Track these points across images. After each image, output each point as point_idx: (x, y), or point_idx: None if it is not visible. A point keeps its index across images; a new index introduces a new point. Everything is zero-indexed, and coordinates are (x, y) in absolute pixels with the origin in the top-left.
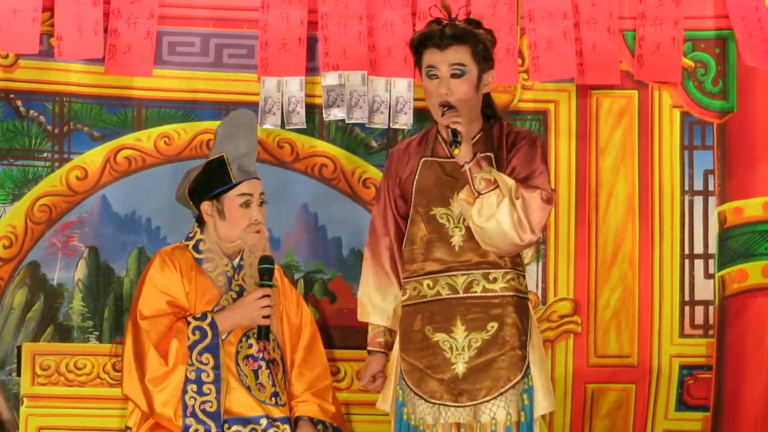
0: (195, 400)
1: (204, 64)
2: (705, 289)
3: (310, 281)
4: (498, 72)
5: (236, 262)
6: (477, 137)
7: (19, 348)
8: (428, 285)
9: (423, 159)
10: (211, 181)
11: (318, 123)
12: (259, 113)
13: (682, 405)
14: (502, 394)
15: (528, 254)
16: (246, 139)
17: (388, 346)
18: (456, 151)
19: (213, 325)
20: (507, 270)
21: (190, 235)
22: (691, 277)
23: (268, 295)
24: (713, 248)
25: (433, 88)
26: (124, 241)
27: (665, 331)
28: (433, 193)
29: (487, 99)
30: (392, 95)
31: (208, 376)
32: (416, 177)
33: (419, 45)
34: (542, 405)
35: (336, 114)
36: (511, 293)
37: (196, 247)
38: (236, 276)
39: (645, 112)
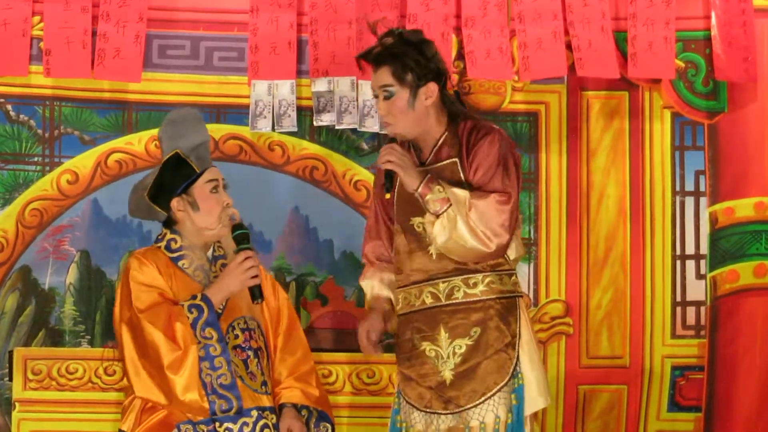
0: (210, 376)
1: (194, 67)
2: (697, 290)
3: (302, 284)
4: (492, 70)
5: (210, 254)
6: (440, 140)
7: (10, 353)
8: (415, 294)
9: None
10: (173, 179)
11: (309, 125)
12: (250, 116)
13: (675, 406)
14: (489, 398)
15: (512, 253)
16: (196, 131)
17: (387, 314)
18: (386, 196)
19: (206, 298)
20: (486, 273)
21: (159, 237)
22: (683, 277)
23: (249, 257)
24: (705, 249)
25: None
26: (115, 244)
27: (657, 332)
28: (409, 204)
29: (451, 103)
30: None
31: (216, 349)
32: (398, 186)
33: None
34: (536, 401)
35: (326, 119)
36: (494, 296)
37: (168, 247)
38: (213, 268)
39: (636, 113)
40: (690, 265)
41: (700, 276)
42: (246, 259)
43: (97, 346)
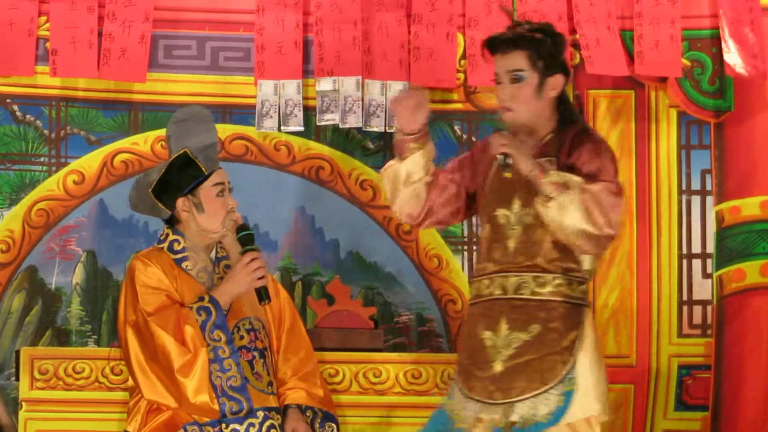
0: (220, 378)
1: (200, 67)
2: (703, 289)
3: (308, 283)
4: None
5: (213, 255)
6: (547, 139)
7: (17, 352)
8: (486, 285)
9: (494, 163)
10: (180, 178)
11: (314, 125)
12: (256, 116)
13: (681, 405)
14: (534, 396)
15: (587, 263)
16: (206, 131)
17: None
18: (507, 175)
19: (213, 300)
20: (556, 275)
21: (162, 238)
22: (689, 276)
23: (256, 258)
24: (711, 248)
25: (497, 93)
26: (121, 244)
27: (663, 331)
28: (497, 195)
29: (568, 105)
30: (387, 99)
31: (224, 351)
32: (487, 179)
33: (490, 51)
34: (591, 407)
35: (330, 119)
36: (560, 299)
37: (171, 248)
38: (216, 269)
39: (642, 112)
40: (696, 264)
41: (706, 275)
42: (252, 260)
43: (104, 345)
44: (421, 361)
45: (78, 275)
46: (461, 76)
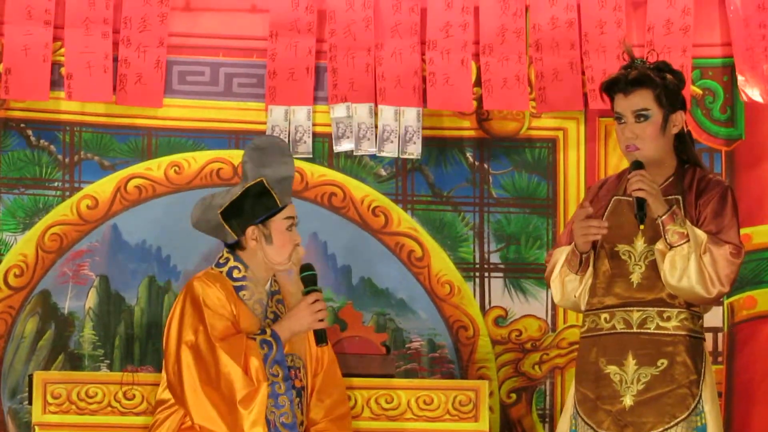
0: (274, 414)
1: (214, 93)
2: (714, 316)
3: None
4: (508, 100)
5: (268, 287)
6: (669, 180)
7: (30, 376)
8: (605, 318)
9: (614, 197)
10: (254, 207)
11: (327, 151)
12: None
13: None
14: (666, 429)
15: None
16: (284, 163)
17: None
18: (641, 227)
19: (275, 336)
20: (681, 310)
21: (221, 261)
22: None
23: (319, 300)
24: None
25: (620, 132)
26: (134, 269)
27: None
28: (619, 231)
29: (684, 143)
30: (401, 124)
31: (280, 387)
32: (605, 214)
33: (608, 91)
34: None
35: (345, 146)
36: (684, 332)
37: (230, 274)
38: (270, 303)
39: None
40: None
41: (717, 302)
42: (316, 301)
43: (117, 370)
44: (433, 387)
45: (91, 300)
46: (474, 103)
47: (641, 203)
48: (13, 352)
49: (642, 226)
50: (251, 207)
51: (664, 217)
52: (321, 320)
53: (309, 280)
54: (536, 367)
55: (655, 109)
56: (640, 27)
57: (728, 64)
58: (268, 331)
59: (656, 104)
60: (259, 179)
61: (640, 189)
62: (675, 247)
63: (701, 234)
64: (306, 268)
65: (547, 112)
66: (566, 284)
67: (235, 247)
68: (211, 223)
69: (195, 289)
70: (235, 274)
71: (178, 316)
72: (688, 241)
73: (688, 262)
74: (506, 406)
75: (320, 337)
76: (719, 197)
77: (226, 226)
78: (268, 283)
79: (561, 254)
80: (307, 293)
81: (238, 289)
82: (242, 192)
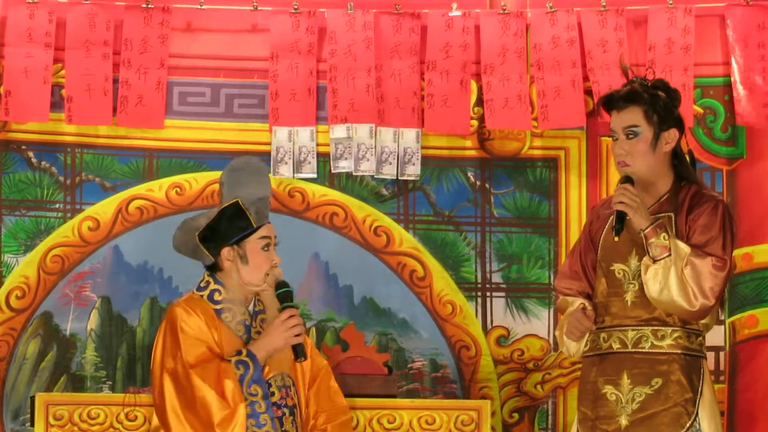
0: None
1: (215, 114)
2: (716, 335)
3: (322, 330)
4: (510, 120)
5: (251, 308)
6: (664, 197)
7: (32, 398)
8: (603, 338)
9: (611, 216)
10: (229, 228)
11: (329, 171)
12: (271, 163)
13: None
14: None
15: (706, 318)
16: (260, 184)
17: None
18: (615, 239)
19: (251, 355)
20: (675, 328)
21: (202, 285)
22: None
23: (293, 315)
24: (723, 294)
25: (613, 149)
26: (136, 291)
27: None
28: (614, 250)
29: (682, 161)
30: (400, 146)
31: (261, 406)
32: (603, 233)
33: (606, 108)
34: None
35: (344, 166)
36: (679, 351)
37: (211, 298)
38: (254, 323)
39: None
40: None
41: (719, 321)
42: (290, 317)
43: (119, 391)
44: (435, 407)
45: (93, 321)
46: (475, 123)
47: (621, 216)
48: (15, 374)
49: (617, 238)
50: (226, 228)
51: (647, 231)
52: (297, 335)
53: (284, 296)
54: (538, 386)
55: (645, 126)
56: (642, 46)
57: (729, 84)
58: (244, 351)
59: (645, 121)
60: (234, 200)
61: (620, 202)
62: (658, 260)
63: (684, 247)
64: (281, 285)
65: (549, 129)
66: (568, 344)
67: (214, 269)
68: (189, 245)
69: (174, 315)
70: (216, 296)
71: (161, 343)
72: (670, 254)
73: (668, 275)
74: (508, 425)
75: (297, 352)
76: (710, 210)
77: (202, 248)
78: (252, 303)
79: (567, 305)
80: (282, 310)
81: (219, 312)
82: (218, 213)
